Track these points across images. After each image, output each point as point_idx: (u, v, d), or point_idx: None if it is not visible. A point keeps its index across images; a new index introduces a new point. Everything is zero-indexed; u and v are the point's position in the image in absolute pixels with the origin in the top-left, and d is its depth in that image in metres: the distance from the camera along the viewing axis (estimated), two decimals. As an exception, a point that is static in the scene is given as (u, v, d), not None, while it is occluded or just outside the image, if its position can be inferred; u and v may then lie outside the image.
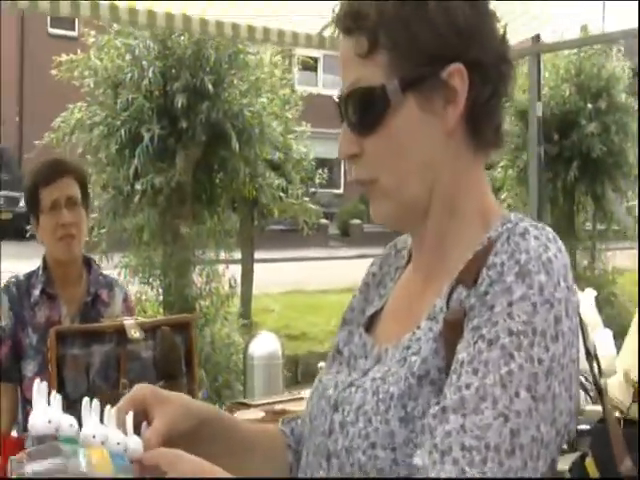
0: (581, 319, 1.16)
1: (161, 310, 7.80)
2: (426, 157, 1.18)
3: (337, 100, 1.23)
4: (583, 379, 3.09)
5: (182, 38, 7.28)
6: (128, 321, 2.67)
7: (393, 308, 1.30)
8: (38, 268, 2.90)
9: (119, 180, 7.42)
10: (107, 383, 2.63)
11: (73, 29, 18.36)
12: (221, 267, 8.43)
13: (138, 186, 7.39)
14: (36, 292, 2.85)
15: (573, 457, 2.62)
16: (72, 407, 2.59)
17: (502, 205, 1.28)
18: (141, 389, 1.22)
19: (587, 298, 3.46)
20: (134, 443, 1.07)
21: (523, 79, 7.70)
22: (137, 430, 1.10)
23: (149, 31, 7.07)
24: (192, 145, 7.53)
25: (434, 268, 1.23)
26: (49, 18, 22.53)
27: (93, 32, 7.68)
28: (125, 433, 1.07)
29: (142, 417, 1.16)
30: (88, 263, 2.97)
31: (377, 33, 1.16)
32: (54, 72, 7.49)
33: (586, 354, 1.33)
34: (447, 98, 1.16)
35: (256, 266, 11.59)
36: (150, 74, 7.11)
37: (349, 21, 1.19)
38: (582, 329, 1.16)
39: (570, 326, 1.08)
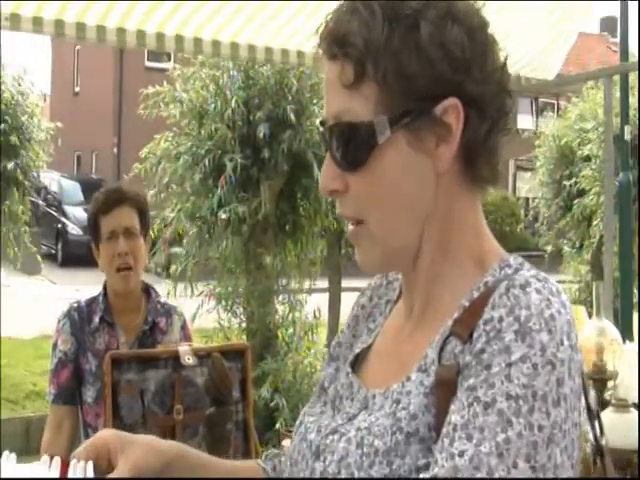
0: (583, 377, 1.07)
1: (244, 337, 7.85)
2: (416, 199, 1.11)
3: (321, 128, 1.15)
4: None
5: (265, 68, 7.35)
6: (182, 347, 2.68)
7: (382, 349, 1.22)
8: (99, 295, 2.94)
9: (203, 210, 7.50)
10: (162, 409, 2.65)
11: (168, 61, 18.81)
12: (304, 296, 8.43)
13: (222, 215, 7.45)
14: (96, 319, 2.89)
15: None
16: (128, 431, 2.63)
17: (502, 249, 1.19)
18: (103, 433, 1.17)
19: None
20: None
21: (615, 102, 7.52)
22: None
23: (233, 62, 7.16)
24: (275, 174, 7.57)
25: (426, 313, 1.16)
26: (146, 51, 23.20)
27: (178, 65, 7.83)
28: None
29: (106, 463, 1.12)
30: (147, 291, 3.00)
31: (364, 63, 1.07)
32: (141, 108, 7.64)
33: (587, 412, 1.23)
34: (440, 136, 1.08)
35: (343, 295, 11.58)
36: (233, 104, 7.20)
37: (334, 47, 1.10)
38: (584, 385, 1.08)
39: (573, 387, 1.00)
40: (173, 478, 1.17)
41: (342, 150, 1.10)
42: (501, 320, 1.01)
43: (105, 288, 2.95)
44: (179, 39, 3.88)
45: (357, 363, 1.23)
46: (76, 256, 15.63)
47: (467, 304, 1.08)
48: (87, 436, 2.87)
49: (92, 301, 2.94)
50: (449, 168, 1.10)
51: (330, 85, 1.12)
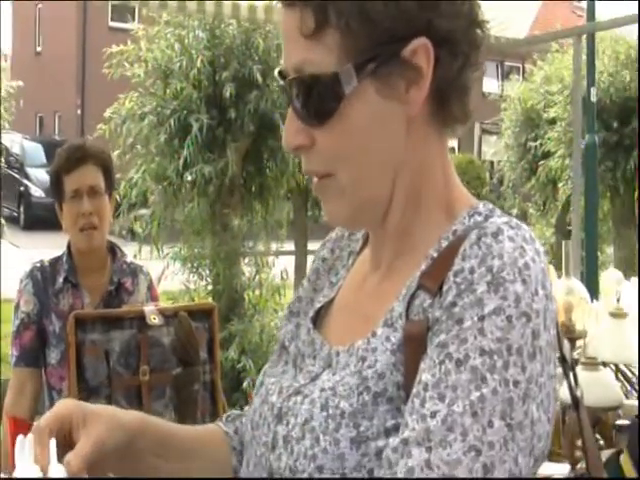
0: (557, 328, 1.02)
1: (210, 299, 7.83)
2: (387, 148, 1.04)
3: (280, 80, 1.07)
4: (628, 372, 2.99)
5: (231, 27, 7.25)
6: (148, 307, 2.64)
7: (345, 303, 1.16)
8: (63, 254, 2.88)
9: (168, 171, 7.42)
10: (127, 370, 2.61)
11: (132, 22, 18.53)
12: (272, 258, 8.41)
13: (188, 177, 7.39)
14: (60, 279, 2.84)
15: (608, 453, 2.53)
16: (93, 395, 2.59)
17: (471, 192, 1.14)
18: (65, 404, 1.10)
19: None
20: (56, 472, 0.97)
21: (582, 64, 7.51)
22: (68, 450, 1.01)
23: (198, 21, 7.06)
24: (241, 135, 7.50)
25: (393, 266, 1.10)
26: (110, 11, 22.83)
27: (143, 25, 7.71)
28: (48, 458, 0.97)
29: (68, 435, 1.05)
30: (112, 251, 2.94)
31: (326, 9, 0.99)
32: (105, 67, 7.51)
33: (562, 362, 1.20)
34: (410, 79, 1.01)
35: (310, 257, 11.57)
36: (199, 63, 7.10)
37: None
38: (558, 336, 1.04)
39: (548, 339, 0.95)
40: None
41: (306, 104, 1.03)
42: (472, 271, 0.95)
43: (69, 248, 2.88)
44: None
45: (319, 318, 1.17)
46: (39, 219, 15.47)
47: (435, 255, 1.03)
48: (51, 399, 2.83)
49: (56, 261, 2.88)
50: (420, 111, 1.04)
51: (289, 35, 1.04)
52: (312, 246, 12.10)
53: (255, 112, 7.36)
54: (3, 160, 17.33)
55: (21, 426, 1.98)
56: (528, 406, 0.92)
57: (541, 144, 12.16)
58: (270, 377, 1.15)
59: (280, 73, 1.08)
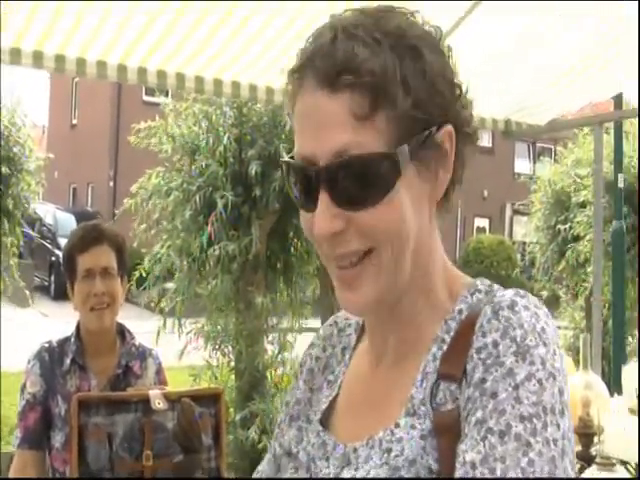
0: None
1: (232, 377, 7.78)
2: (417, 230, 1.06)
3: (304, 170, 1.05)
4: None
5: (257, 105, 7.33)
6: (153, 391, 2.61)
7: (351, 399, 1.15)
8: (71, 335, 2.86)
9: (193, 247, 7.44)
10: (130, 454, 2.57)
11: (166, 97, 18.79)
12: (295, 336, 8.36)
13: (213, 253, 7.40)
14: (67, 361, 2.81)
15: None
16: (95, 478, 2.54)
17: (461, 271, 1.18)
18: None
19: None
20: None
21: (610, 149, 7.49)
22: None
23: (225, 98, 7.15)
24: (266, 213, 7.52)
25: (399, 352, 1.11)
26: (144, 86, 23.25)
27: (172, 100, 7.81)
28: None
29: None
30: (122, 333, 2.92)
31: (379, 92, 1.01)
32: (132, 139, 7.60)
33: None
34: (438, 162, 1.07)
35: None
36: (225, 141, 7.17)
37: (346, 75, 1.01)
38: None
39: (567, 393, 1.01)
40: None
41: (353, 186, 1.02)
42: (496, 345, 0.98)
43: (78, 329, 2.86)
44: (180, 77, 3.87)
45: (324, 419, 1.16)
46: (68, 289, 15.56)
47: (446, 337, 1.06)
48: (54, 481, 2.78)
49: (64, 342, 2.86)
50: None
51: (331, 119, 1.02)
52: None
53: (280, 190, 7.39)
54: (36, 230, 17.56)
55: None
56: (565, 462, 0.95)
57: (570, 227, 12.09)
58: None
59: (300, 166, 1.06)
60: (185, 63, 3.84)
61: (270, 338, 8.16)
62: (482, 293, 1.08)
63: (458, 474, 0.94)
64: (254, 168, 7.17)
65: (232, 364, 7.89)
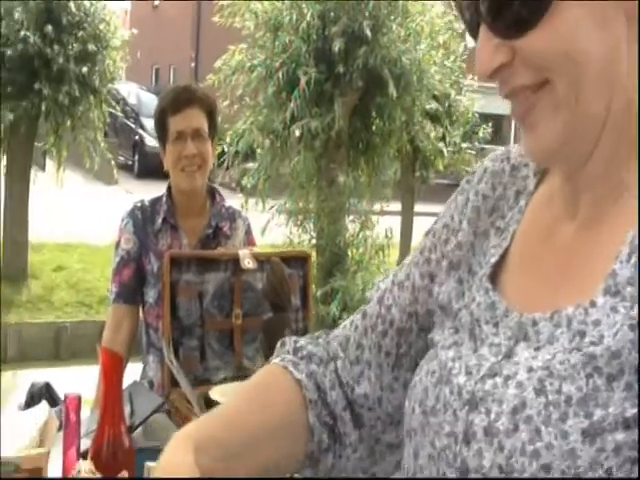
0: None
1: (313, 254, 7.89)
2: (604, 55, 0.84)
3: (464, 4, 0.88)
4: None
5: (343, -19, 7.21)
6: (243, 251, 2.66)
7: (528, 258, 0.94)
8: (163, 195, 2.91)
9: (275, 123, 7.46)
10: (220, 312, 2.64)
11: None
12: (376, 217, 8.40)
13: (295, 131, 7.41)
14: (159, 220, 2.87)
15: None
16: (186, 334, 2.64)
17: None
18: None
19: None
20: None
21: None
22: None
23: (310, -27, 7.05)
24: (349, 90, 7.47)
25: (596, 216, 0.89)
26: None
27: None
28: None
29: None
30: (212, 195, 2.96)
31: None
32: (215, 18, 7.57)
33: None
34: None
35: (416, 219, 11.48)
36: (308, 17, 7.08)
37: None
38: None
39: None
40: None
41: (508, 9, 0.84)
42: None
43: (169, 189, 2.91)
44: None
45: (493, 274, 0.95)
46: (152, 168, 15.73)
47: None
48: (148, 336, 2.89)
49: (156, 202, 2.91)
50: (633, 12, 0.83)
51: None
52: (419, 208, 12.00)
53: (364, 67, 7.31)
54: (120, 110, 17.76)
55: (115, 359, 2.02)
56: None
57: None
58: (445, 350, 0.94)
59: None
60: None
61: (351, 218, 8.22)
62: None
63: None
64: (337, 45, 7.10)
65: (313, 241, 7.99)
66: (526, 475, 0.78)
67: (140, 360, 2.95)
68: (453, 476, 0.86)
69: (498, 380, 0.85)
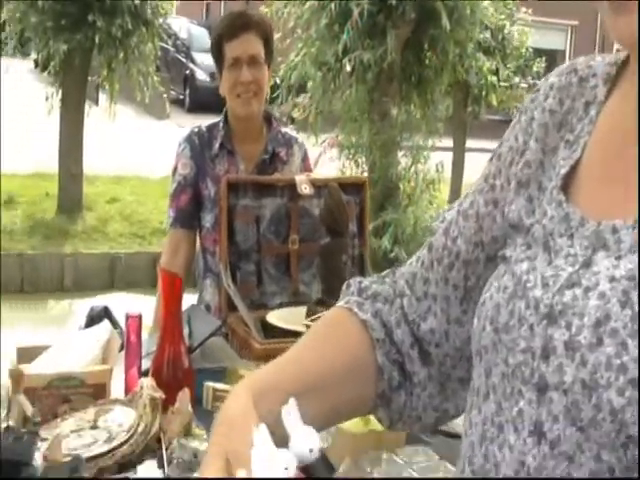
0: None
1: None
2: None
3: None
4: None
5: None
6: (299, 176, 2.66)
7: (600, 167, 0.90)
8: (220, 121, 2.91)
9: (328, 55, 7.40)
10: (277, 237, 2.66)
11: None
12: (427, 152, 8.35)
13: (347, 64, 7.35)
14: (216, 145, 2.88)
15: None
16: (243, 259, 2.66)
17: None
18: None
19: None
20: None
21: None
22: None
23: None
24: (402, 23, 7.38)
25: None
26: None
27: None
28: None
29: None
30: (269, 120, 2.95)
31: None
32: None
33: None
34: None
35: (468, 155, 11.38)
36: (362, -53, 6.99)
37: None
38: None
39: None
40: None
41: None
42: None
43: (226, 115, 2.91)
44: None
45: (564, 187, 0.92)
46: (203, 102, 15.74)
47: None
48: (205, 261, 2.92)
49: (213, 127, 2.91)
50: None
51: None
52: (470, 144, 11.89)
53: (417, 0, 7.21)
54: (172, 44, 17.71)
55: (174, 279, 2.05)
56: None
57: None
58: (518, 263, 0.91)
59: None
60: None
61: (403, 152, 8.19)
62: None
63: None
64: (390, -25, 7.00)
65: (365, 174, 7.97)
66: (612, 390, 0.76)
67: (193, 292, 2.98)
68: (529, 393, 0.83)
69: (577, 291, 0.82)
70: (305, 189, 2.62)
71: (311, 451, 0.83)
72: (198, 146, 2.88)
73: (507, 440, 0.84)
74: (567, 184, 0.91)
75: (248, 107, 2.81)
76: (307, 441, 0.83)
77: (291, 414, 0.86)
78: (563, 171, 0.92)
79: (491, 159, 1.05)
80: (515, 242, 0.93)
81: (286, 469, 0.80)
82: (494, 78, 9.58)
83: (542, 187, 0.94)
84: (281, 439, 0.85)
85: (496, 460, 0.85)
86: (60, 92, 8.80)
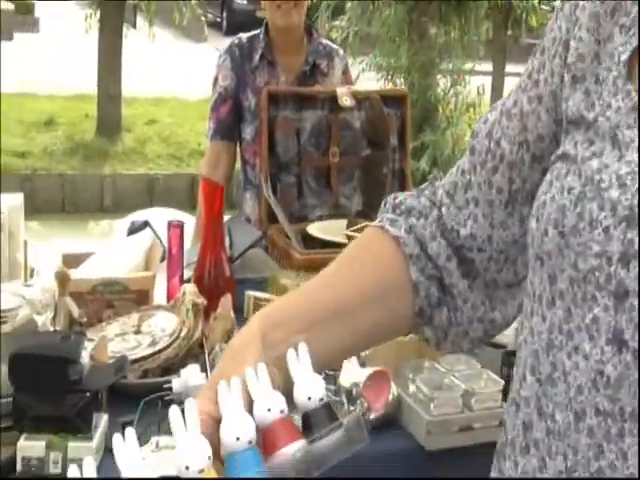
0: None
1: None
2: None
3: None
4: None
5: None
6: (340, 89, 2.64)
7: None
8: (260, 32, 2.89)
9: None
10: (317, 150, 2.65)
11: None
12: (467, 77, 8.24)
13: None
14: (256, 56, 2.86)
15: None
16: (283, 171, 2.66)
17: None
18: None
19: None
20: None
21: None
22: None
23: None
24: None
25: None
26: None
27: None
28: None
29: None
30: (309, 31, 2.92)
31: None
32: None
33: None
34: None
35: (507, 80, 11.18)
36: None
37: None
38: None
39: None
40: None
41: None
42: None
43: (267, 26, 2.88)
44: None
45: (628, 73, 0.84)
46: (240, 25, 15.56)
47: None
48: (245, 173, 2.92)
49: (253, 38, 2.89)
50: None
51: None
52: (510, 68, 11.67)
53: None
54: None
55: (215, 187, 2.06)
56: None
57: None
58: (587, 161, 0.83)
59: None
60: None
61: (442, 73, 8.08)
62: None
63: None
64: None
65: (404, 95, 7.90)
66: None
67: (231, 213, 2.95)
68: (605, 299, 0.76)
69: None
70: (346, 101, 2.60)
71: (309, 399, 0.80)
72: (238, 57, 2.86)
73: (581, 348, 0.79)
74: (630, 72, 0.84)
75: (288, 18, 2.78)
76: (308, 389, 0.81)
77: (300, 359, 0.83)
78: (624, 57, 0.84)
79: (533, 54, 0.99)
80: (574, 139, 0.87)
81: (269, 410, 0.78)
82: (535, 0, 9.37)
83: (599, 80, 0.87)
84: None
85: (565, 368, 0.81)
86: (98, 13, 8.76)
